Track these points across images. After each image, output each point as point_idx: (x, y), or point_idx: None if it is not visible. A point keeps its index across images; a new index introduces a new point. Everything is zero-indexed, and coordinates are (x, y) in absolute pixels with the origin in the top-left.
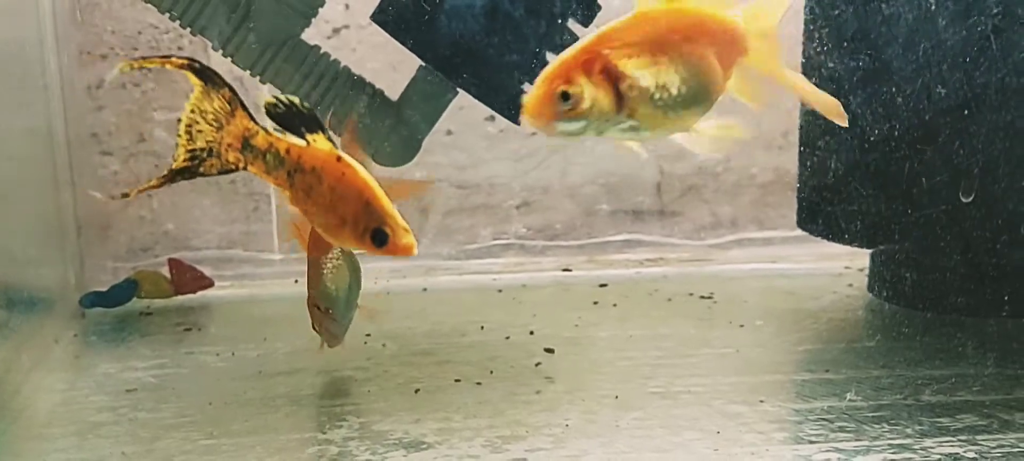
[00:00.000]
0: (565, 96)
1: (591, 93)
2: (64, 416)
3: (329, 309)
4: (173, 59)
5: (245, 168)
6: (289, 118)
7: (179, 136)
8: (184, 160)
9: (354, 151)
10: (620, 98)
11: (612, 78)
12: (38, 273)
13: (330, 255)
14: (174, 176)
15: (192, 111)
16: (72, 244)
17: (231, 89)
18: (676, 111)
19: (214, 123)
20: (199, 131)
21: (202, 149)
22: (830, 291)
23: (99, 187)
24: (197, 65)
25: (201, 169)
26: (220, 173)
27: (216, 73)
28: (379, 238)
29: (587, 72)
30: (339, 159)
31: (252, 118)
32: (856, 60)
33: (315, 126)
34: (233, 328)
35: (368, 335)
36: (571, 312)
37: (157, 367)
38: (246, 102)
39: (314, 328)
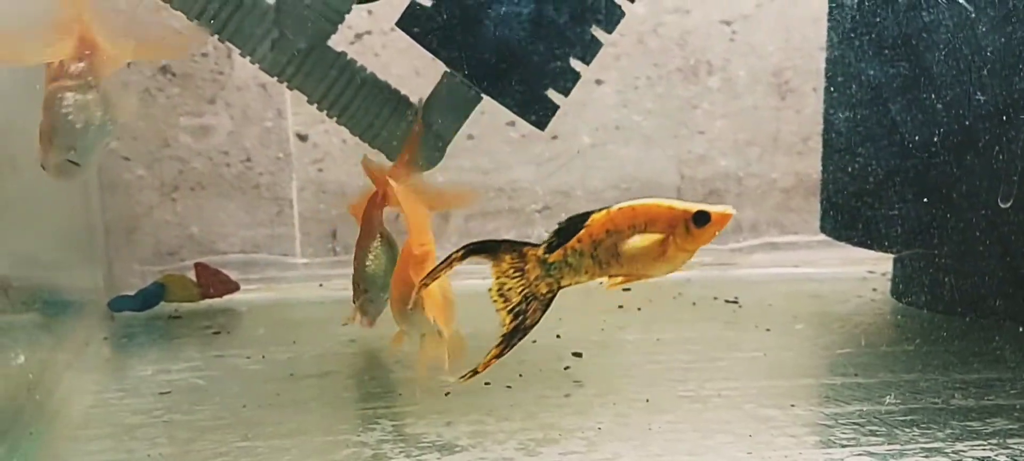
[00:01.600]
0: None
1: None
2: (99, 418)
3: (367, 289)
4: (455, 257)
5: (560, 288)
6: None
7: (496, 303)
8: (511, 323)
9: (407, 165)
10: None
11: None
12: (68, 276)
13: (374, 242)
14: (511, 340)
15: (496, 282)
16: (100, 248)
17: (506, 241)
18: None
19: (515, 275)
20: (509, 289)
21: (519, 302)
22: (855, 295)
23: (124, 192)
24: (473, 247)
25: (527, 322)
26: (544, 311)
27: (489, 241)
28: (702, 220)
29: None
30: (619, 209)
31: (535, 244)
32: (880, 66)
33: (580, 221)
34: (261, 331)
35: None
36: (596, 316)
37: (189, 370)
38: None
39: (354, 302)
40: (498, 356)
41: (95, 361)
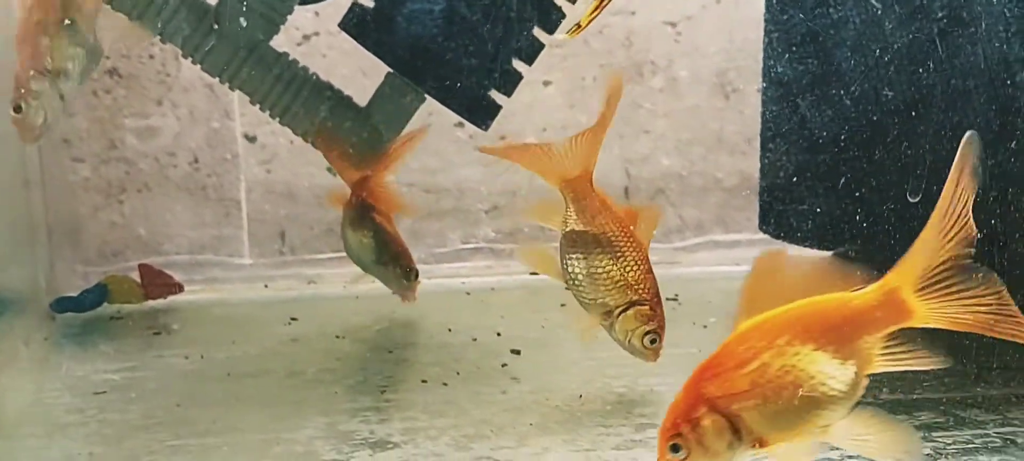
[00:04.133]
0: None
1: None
2: (33, 416)
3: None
4: None
5: None
6: None
7: None
8: None
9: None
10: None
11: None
12: (7, 275)
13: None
14: None
15: None
16: (42, 247)
17: None
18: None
19: None
20: None
21: None
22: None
23: (69, 193)
24: None
25: None
26: None
27: None
28: None
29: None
30: None
31: None
32: (812, 64)
33: None
34: (202, 331)
35: (338, 336)
36: (538, 314)
37: (126, 369)
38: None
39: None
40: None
41: (33, 361)
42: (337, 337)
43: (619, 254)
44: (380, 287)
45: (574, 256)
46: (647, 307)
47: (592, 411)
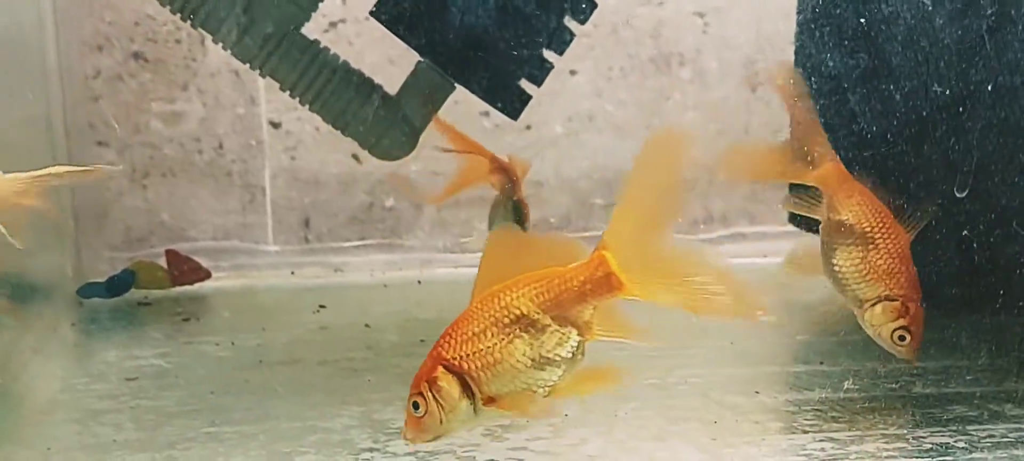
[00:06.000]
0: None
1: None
2: (65, 403)
3: None
4: None
5: None
6: None
7: None
8: None
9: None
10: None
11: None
12: (36, 262)
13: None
14: None
15: None
16: (69, 234)
17: None
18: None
19: None
20: None
21: None
22: (822, 285)
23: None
24: None
25: None
26: None
27: None
28: None
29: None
30: None
31: None
32: (850, 57)
33: None
34: (231, 318)
35: (367, 325)
36: None
37: (157, 356)
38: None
39: None
40: None
41: (62, 347)
42: (366, 326)
43: (873, 246)
44: (405, 275)
45: (828, 246)
46: (898, 303)
47: (627, 402)
